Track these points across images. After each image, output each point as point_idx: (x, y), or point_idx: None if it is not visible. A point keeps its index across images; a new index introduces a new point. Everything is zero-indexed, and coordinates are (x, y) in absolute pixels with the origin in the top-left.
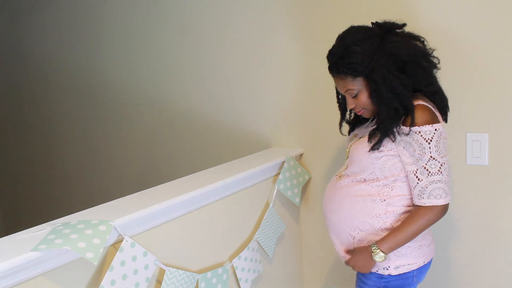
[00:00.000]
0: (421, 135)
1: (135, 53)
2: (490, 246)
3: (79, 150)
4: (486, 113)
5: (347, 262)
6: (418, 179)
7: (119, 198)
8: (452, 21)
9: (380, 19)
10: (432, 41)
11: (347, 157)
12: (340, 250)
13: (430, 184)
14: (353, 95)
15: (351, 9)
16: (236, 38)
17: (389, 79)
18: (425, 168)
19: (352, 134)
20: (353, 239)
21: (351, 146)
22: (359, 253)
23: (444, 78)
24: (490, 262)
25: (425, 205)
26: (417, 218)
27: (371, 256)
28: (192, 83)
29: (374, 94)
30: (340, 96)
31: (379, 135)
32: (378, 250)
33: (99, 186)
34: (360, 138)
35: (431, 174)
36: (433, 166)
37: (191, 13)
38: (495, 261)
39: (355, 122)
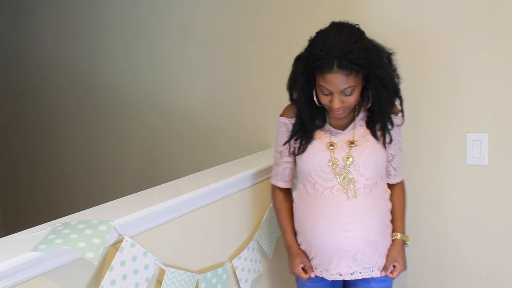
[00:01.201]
0: (403, 119)
1: (135, 52)
2: (490, 246)
3: (79, 150)
4: (486, 113)
5: (399, 271)
6: (401, 159)
7: (119, 198)
8: (452, 21)
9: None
10: (431, 41)
11: (346, 170)
12: (370, 271)
13: (402, 160)
14: (349, 93)
15: (346, 10)
16: (236, 39)
17: (391, 75)
18: (400, 148)
19: (324, 145)
20: (381, 243)
21: (351, 155)
22: (399, 252)
23: (445, 78)
24: (490, 262)
25: (402, 179)
26: (403, 193)
27: (404, 247)
28: (193, 83)
29: (382, 89)
30: (317, 96)
31: (381, 129)
32: (404, 236)
33: (99, 186)
34: (351, 144)
35: (402, 151)
36: (402, 144)
37: (192, 13)
38: (495, 261)
39: (303, 130)
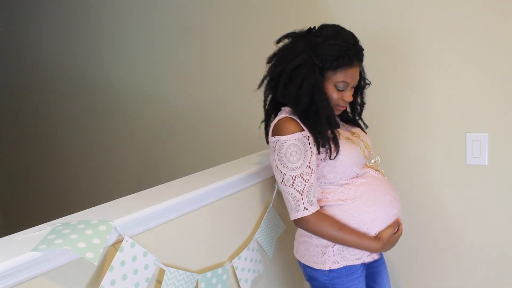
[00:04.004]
0: None
1: (134, 53)
2: (490, 246)
3: (79, 150)
4: (486, 113)
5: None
6: None
7: (118, 198)
8: (452, 21)
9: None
10: (431, 41)
11: (370, 153)
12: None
13: None
14: (355, 85)
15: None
16: (236, 39)
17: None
18: None
19: (345, 140)
20: None
21: (366, 142)
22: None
23: (445, 78)
24: (490, 262)
25: None
26: None
27: None
28: (192, 83)
29: (365, 79)
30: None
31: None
32: None
33: (100, 187)
34: (354, 134)
35: None
36: None
37: (191, 13)
38: (494, 261)
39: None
